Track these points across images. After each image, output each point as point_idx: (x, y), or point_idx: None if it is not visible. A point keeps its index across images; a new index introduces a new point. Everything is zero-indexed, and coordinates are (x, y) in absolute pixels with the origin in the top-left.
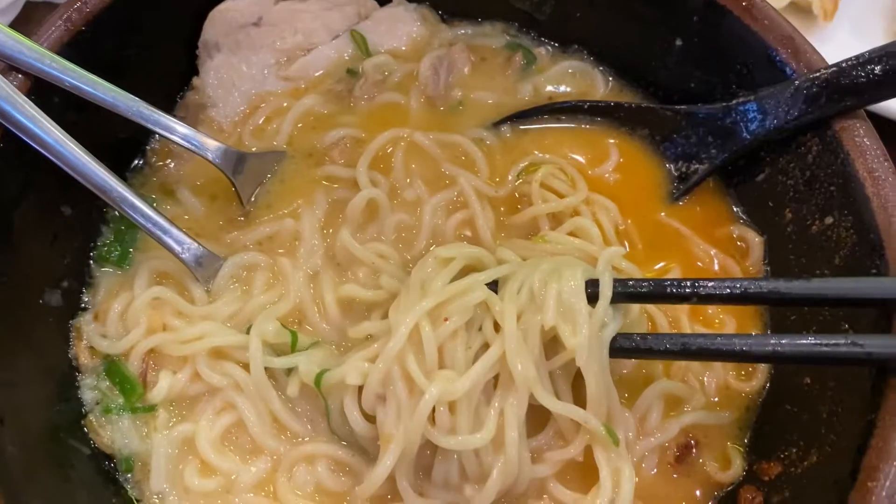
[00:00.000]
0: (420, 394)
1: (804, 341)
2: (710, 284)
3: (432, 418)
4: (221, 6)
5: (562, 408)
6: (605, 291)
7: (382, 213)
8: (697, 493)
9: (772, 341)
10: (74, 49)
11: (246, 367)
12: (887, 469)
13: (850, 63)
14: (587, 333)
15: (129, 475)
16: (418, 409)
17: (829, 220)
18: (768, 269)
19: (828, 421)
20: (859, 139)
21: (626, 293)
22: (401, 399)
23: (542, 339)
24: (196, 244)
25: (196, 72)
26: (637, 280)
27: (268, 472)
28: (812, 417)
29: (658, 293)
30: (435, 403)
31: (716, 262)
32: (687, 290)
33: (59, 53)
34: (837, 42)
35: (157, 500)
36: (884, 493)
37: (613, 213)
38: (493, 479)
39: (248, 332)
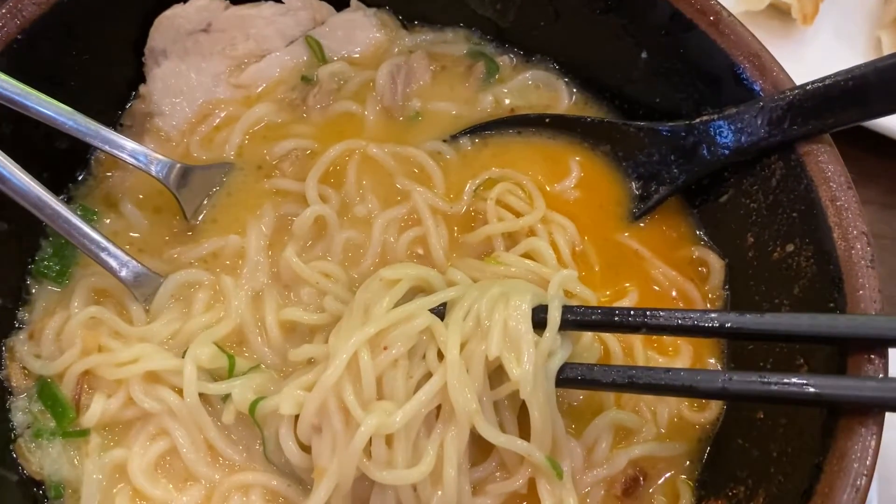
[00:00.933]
0: (356, 426)
1: (754, 379)
2: (661, 315)
3: (368, 451)
4: (168, 12)
5: (504, 441)
6: (553, 320)
7: (331, 230)
8: None
9: (721, 378)
10: (9, 59)
11: (181, 392)
12: None
13: (815, 86)
14: (532, 364)
15: (58, 502)
16: (353, 442)
17: (790, 247)
18: (728, 293)
19: (777, 460)
20: (823, 165)
21: (575, 321)
22: (336, 431)
23: (487, 368)
24: (135, 262)
25: (143, 79)
26: (587, 308)
27: (201, 501)
28: (762, 455)
29: (608, 322)
30: (371, 436)
31: (674, 287)
32: (637, 321)
33: None
34: (819, 44)
35: None
36: None
37: (571, 233)
38: None
39: (184, 354)
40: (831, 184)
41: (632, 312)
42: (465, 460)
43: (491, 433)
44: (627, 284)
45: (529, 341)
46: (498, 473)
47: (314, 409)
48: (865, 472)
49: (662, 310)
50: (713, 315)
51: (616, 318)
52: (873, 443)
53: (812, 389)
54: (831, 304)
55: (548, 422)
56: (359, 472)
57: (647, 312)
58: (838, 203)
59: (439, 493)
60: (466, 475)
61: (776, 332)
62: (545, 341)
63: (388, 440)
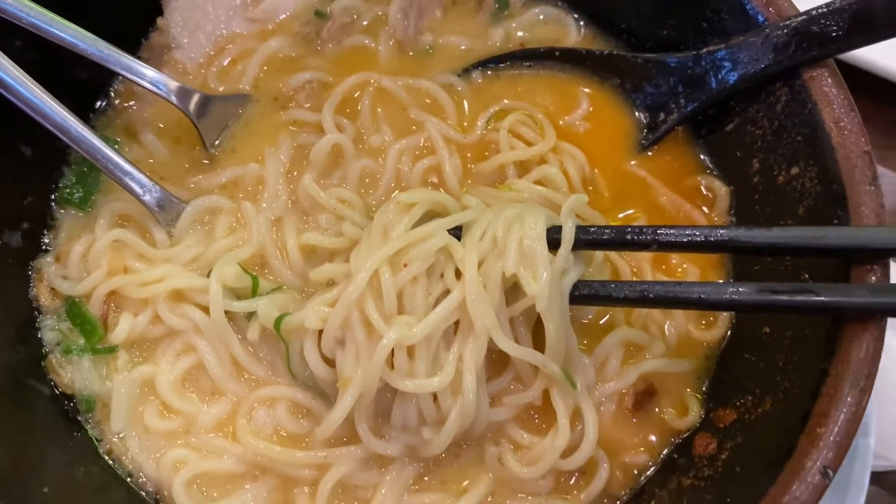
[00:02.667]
0: (378, 338)
1: (762, 290)
2: (671, 232)
3: (391, 362)
4: None
5: (521, 352)
6: (567, 238)
7: (347, 158)
8: (654, 438)
9: (730, 290)
10: None
11: (206, 310)
12: (836, 415)
13: (819, 11)
14: (547, 280)
15: (89, 415)
16: (376, 352)
17: (794, 170)
18: (734, 219)
19: (783, 369)
20: (827, 89)
21: (588, 240)
22: (359, 343)
23: (504, 285)
24: (158, 187)
25: (161, 11)
26: (599, 227)
27: (227, 414)
28: (769, 366)
29: (619, 240)
30: (393, 347)
31: (681, 213)
32: (648, 238)
33: None
34: None
35: (117, 440)
36: (832, 439)
37: (581, 162)
38: (450, 421)
39: (208, 275)
40: (835, 106)
41: (642, 230)
42: (482, 373)
43: (508, 345)
44: (634, 210)
45: (545, 259)
46: (513, 386)
47: (338, 323)
48: (868, 374)
49: (672, 226)
50: (722, 231)
51: (627, 237)
52: (875, 346)
53: (818, 298)
54: (835, 222)
55: (562, 336)
56: (381, 383)
57: (658, 230)
58: (841, 124)
59: (459, 402)
60: (484, 387)
61: (783, 245)
62: (560, 258)
63: (410, 352)
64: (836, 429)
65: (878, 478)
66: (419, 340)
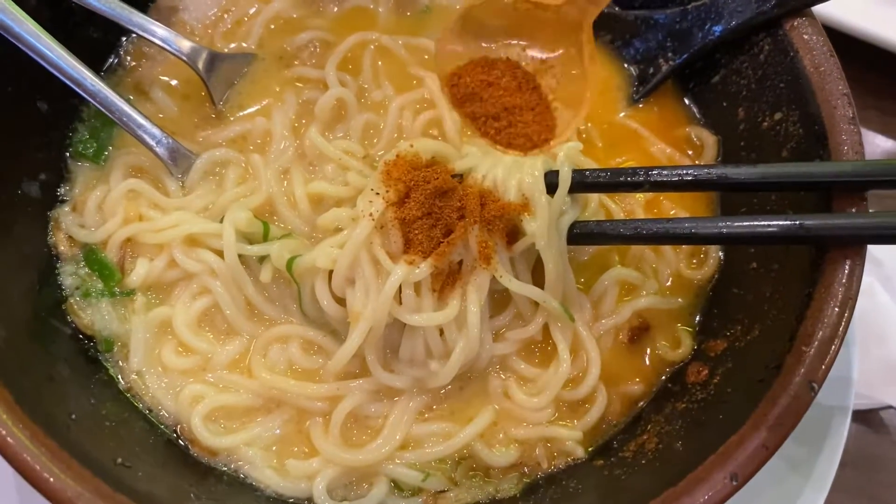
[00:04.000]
0: (386, 275)
1: (749, 222)
2: (663, 172)
3: (399, 299)
4: None
5: (521, 288)
6: (564, 181)
7: (350, 112)
8: (648, 370)
9: (719, 223)
10: None
11: (220, 254)
12: (821, 334)
13: None
14: (546, 219)
15: (108, 354)
16: (385, 288)
17: (778, 115)
18: None
19: (770, 299)
20: (807, 36)
21: (584, 182)
22: (368, 280)
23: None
24: (170, 139)
25: None
26: (594, 170)
27: (242, 352)
28: (756, 297)
29: (614, 182)
30: (401, 284)
31: (671, 161)
32: (640, 178)
33: None
34: None
35: (136, 377)
36: (817, 356)
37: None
38: (456, 353)
39: (221, 221)
40: (815, 52)
41: (636, 171)
42: (486, 309)
43: (509, 281)
44: (624, 158)
45: (543, 200)
46: (515, 322)
47: (348, 263)
48: (849, 296)
49: (663, 167)
50: (711, 169)
51: (621, 178)
52: (855, 271)
53: (802, 226)
54: (817, 160)
55: (560, 274)
56: (390, 318)
57: (650, 170)
58: (821, 69)
59: (464, 336)
60: (487, 322)
61: (769, 181)
62: (557, 198)
63: (417, 288)
64: (821, 346)
65: (860, 416)
66: (425, 278)
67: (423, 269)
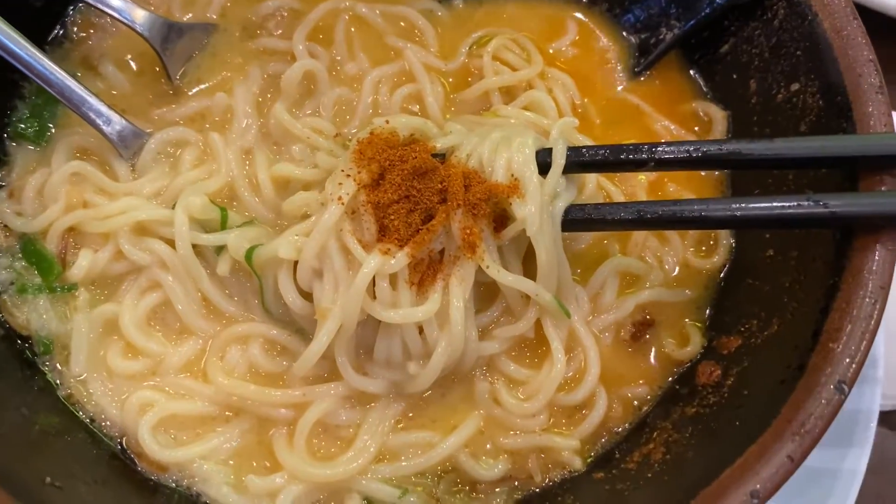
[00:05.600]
0: (358, 266)
1: (765, 203)
2: (669, 148)
3: (372, 293)
4: None
5: (511, 280)
6: (558, 160)
7: (321, 86)
8: (653, 370)
9: (732, 205)
10: None
11: (172, 244)
12: (851, 329)
13: None
14: (538, 203)
15: (46, 358)
16: (356, 281)
17: (795, 86)
18: None
19: (790, 290)
20: None
21: (580, 162)
22: (338, 272)
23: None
24: (120, 118)
25: None
26: (592, 147)
27: (197, 354)
28: (774, 288)
29: (614, 160)
30: (375, 276)
31: (676, 138)
32: (644, 156)
33: None
34: None
35: (77, 384)
36: (846, 353)
37: (570, 88)
38: (437, 354)
39: (174, 208)
40: (836, 15)
41: (639, 147)
42: (471, 304)
43: (498, 273)
44: (627, 138)
45: (534, 181)
46: (503, 318)
47: (314, 252)
48: (882, 285)
49: (670, 142)
50: (722, 144)
51: (623, 155)
52: (888, 257)
53: (826, 208)
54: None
55: (554, 263)
56: (363, 315)
57: (655, 146)
58: (844, 33)
59: (446, 334)
60: (473, 319)
61: (788, 157)
62: (551, 179)
63: (392, 281)
64: (851, 343)
65: (884, 417)
66: (401, 269)
67: (400, 258)
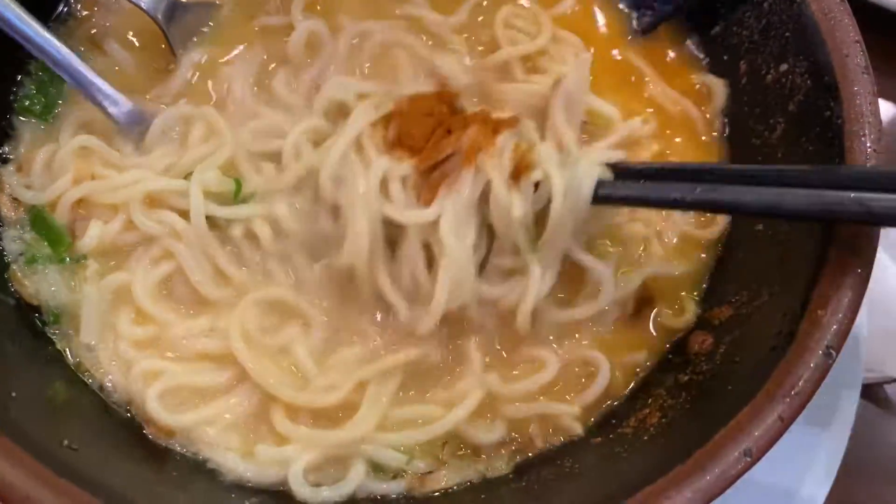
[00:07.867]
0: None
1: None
2: None
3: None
4: None
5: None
6: None
7: (324, 44)
8: (651, 340)
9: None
10: None
11: (185, 215)
12: (840, 296)
13: None
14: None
15: (56, 327)
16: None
17: (783, 67)
18: (726, 120)
19: (780, 262)
20: None
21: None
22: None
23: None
24: (125, 98)
25: None
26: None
27: (208, 323)
28: (764, 260)
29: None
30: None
31: (678, 105)
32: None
33: None
34: None
35: (86, 352)
36: (834, 320)
37: (580, 49)
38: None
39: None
40: None
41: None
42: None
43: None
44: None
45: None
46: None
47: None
48: (868, 258)
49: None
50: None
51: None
52: (875, 230)
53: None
54: (827, 113)
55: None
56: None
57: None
58: (830, 15)
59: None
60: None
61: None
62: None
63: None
64: (838, 310)
65: (865, 390)
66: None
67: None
